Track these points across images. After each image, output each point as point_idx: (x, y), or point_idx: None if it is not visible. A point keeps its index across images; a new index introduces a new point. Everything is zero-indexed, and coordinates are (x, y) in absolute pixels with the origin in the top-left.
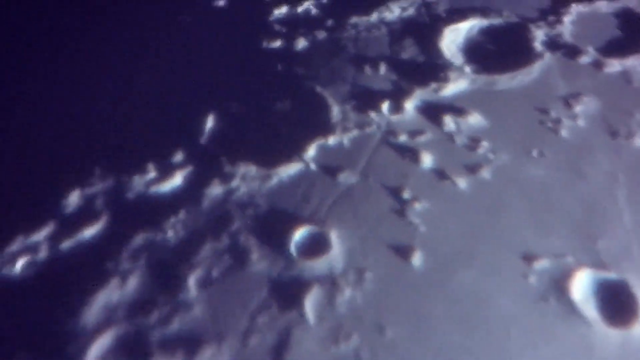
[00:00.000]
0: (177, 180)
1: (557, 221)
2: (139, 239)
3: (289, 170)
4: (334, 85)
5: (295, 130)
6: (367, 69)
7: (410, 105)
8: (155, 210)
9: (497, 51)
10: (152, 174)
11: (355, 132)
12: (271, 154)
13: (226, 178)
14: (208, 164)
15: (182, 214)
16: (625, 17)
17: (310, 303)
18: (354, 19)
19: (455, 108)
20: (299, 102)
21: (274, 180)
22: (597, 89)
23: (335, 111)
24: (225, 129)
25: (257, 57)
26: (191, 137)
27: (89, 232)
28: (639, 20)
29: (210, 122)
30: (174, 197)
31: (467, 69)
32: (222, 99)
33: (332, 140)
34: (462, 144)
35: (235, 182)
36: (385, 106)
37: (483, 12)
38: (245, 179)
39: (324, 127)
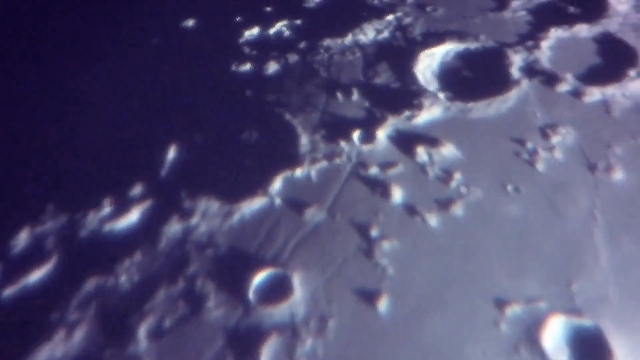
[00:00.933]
0: (133, 216)
1: (532, 263)
2: (89, 285)
3: (253, 205)
4: (304, 112)
5: (262, 161)
6: (340, 95)
7: (382, 135)
8: (108, 251)
9: (473, 77)
10: (107, 209)
11: (324, 164)
12: (235, 187)
13: (186, 215)
14: (167, 198)
15: (137, 256)
16: (606, 42)
17: (268, 354)
18: (328, 42)
19: (429, 138)
20: (267, 131)
21: (236, 218)
22: (576, 119)
23: (305, 141)
24: (187, 161)
25: (226, 82)
26: (151, 170)
27: (35, 277)
28: (619, 45)
29: (171, 153)
30: (129, 235)
31: (442, 95)
32: (186, 127)
33: (299, 172)
34: (435, 177)
35: (195, 220)
36: (356, 135)
37: (460, 35)
38: (206, 215)
39: (291, 158)
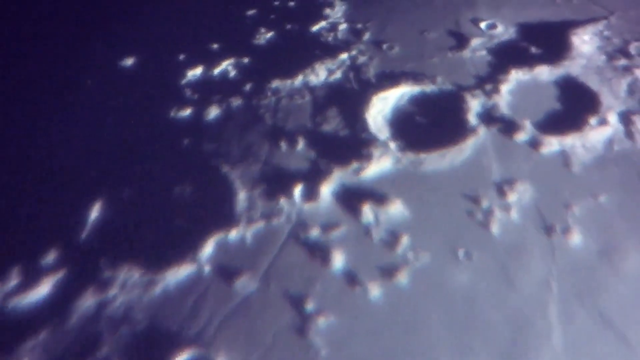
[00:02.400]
0: (43, 289)
1: (478, 341)
2: None
3: (179, 274)
4: (244, 164)
5: (194, 222)
6: (284, 145)
7: (326, 190)
8: (11, 330)
9: (428, 124)
10: (14, 281)
11: (261, 225)
12: (161, 252)
13: (103, 285)
14: (83, 267)
15: (42, 335)
16: (567, 86)
17: None
18: (276, 83)
19: (376, 194)
20: (202, 186)
21: (159, 289)
22: (534, 174)
23: (242, 198)
24: (111, 221)
25: (162, 129)
26: (69, 232)
27: None
28: (581, 90)
29: (95, 212)
30: (36, 311)
31: (393, 145)
32: (113, 182)
33: (234, 235)
34: (380, 240)
35: (112, 291)
36: (298, 191)
37: (415, 77)
38: (126, 286)
39: (226, 218)
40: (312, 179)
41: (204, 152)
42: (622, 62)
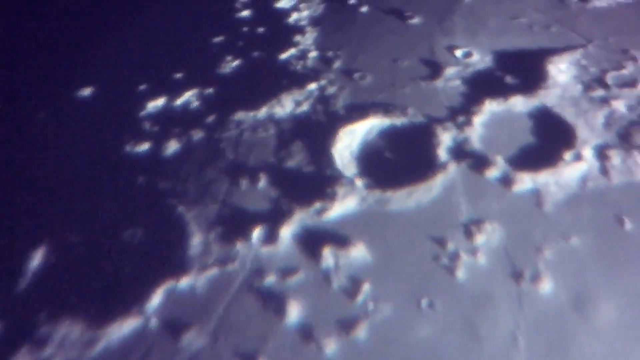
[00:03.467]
0: None
1: None
2: None
3: (123, 329)
4: (201, 204)
5: (143, 269)
6: (244, 183)
7: (286, 233)
8: None
9: (397, 160)
10: None
11: (214, 272)
12: (105, 305)
13: (38, 345)
14: (19, 323)
15: None
16: (542, 118)
17: None
18: (240, 115)
19: (338, 237)
20: (154, 228)
21: (100, 347)
22: (504, 214)
23: (196, 242)
24: (53, 269)
25: (117, 165)
26: (5, 283)
27: None
28: (556, 123)
29: (35, 261)
30: None
31: (359, 182)
32: (59, 225)
33: (185, 283)
34: (339, 289)
35: (48, 350)
36: (257, 234)
37: (386, 109)
38: (64, 344)
39: (178, 264)
40: (272, 220)
41: (158, 191)
42: (599, 92)
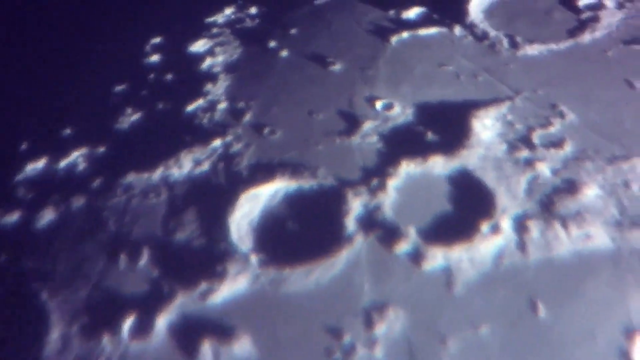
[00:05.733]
0: None
1: None
2: None
3: None
4: (69, 288)
5: None
6: (123, 261)
7: (162, 323)
8: None
9: (299, 231)
10: None
11: None
12: None
13: None
14: None
15: None
16: (461, 182)
17: None
18: (131, 178)
19: (222, 327)
20: (7, 320)
21: None
22: (410, 297)
23: (55, 336)
24: None
25: None
26: None
27: None
28: (476, 188)
29: None
30: None
31: (254, 258)
32: None
33: None
34: None
35: None
36: (128, 325)
37: (294, 170)
38: None
39: None
40: (149, 307)
41: (21, 273)
42: (524, 153)
